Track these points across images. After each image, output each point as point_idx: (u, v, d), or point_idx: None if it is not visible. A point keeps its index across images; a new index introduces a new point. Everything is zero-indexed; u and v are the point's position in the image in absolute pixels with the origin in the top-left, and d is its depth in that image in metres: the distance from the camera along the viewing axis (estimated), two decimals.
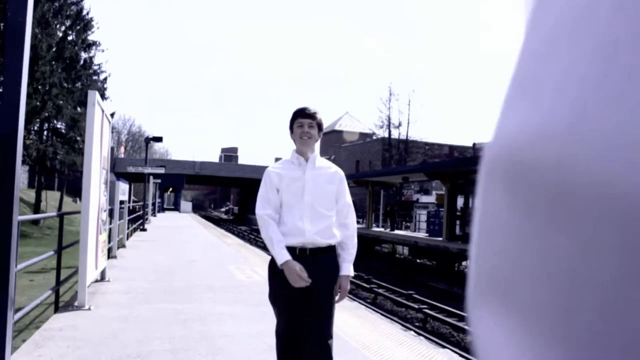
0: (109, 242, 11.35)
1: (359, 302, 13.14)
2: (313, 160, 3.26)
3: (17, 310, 4.75)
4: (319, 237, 3.13)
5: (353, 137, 69.88)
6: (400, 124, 50.82)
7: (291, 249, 3.08)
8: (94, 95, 6.49)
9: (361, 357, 4.99)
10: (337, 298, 3.20)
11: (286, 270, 3.02)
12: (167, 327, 5.74)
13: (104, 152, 7.52)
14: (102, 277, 8.37)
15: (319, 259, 3.15)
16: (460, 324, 11.35)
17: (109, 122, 8.27)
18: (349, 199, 3.33)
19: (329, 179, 3.26)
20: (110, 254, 11.42)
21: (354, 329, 6.01)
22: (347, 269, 3.21)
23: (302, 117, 3.24)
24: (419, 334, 9.90)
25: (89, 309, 6.30)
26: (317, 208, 3.16)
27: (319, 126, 3.29)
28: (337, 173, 3.32)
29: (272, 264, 3.17)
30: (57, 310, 6.41)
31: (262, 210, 3.17)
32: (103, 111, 7.26)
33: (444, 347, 7.78)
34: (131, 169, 24.07)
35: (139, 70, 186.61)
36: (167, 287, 8.33)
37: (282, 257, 3.04)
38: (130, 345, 4.95)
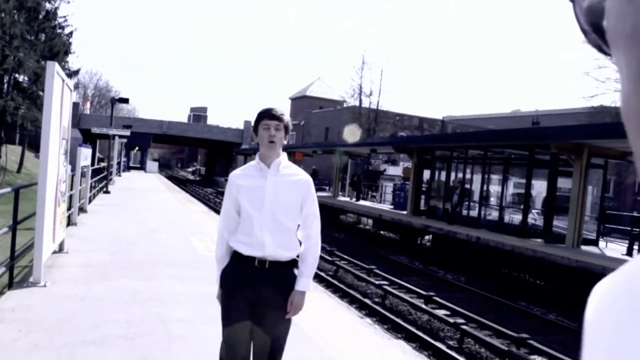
0: (69, 208, 11.19)
1: (318, 284, 13.29)
2: (277, 166, 3.02)
3: None
4: (281, 250, 2.97)
5: (324, 104, 69.56)
6: (371, 93, 50.68)
7: (250, 259, 2.96)
8: (53, 67, 6.28)
9: (315, 347, 5.04)
10: (287, 316, 3.01)
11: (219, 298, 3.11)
12: (125, 308, 5.70)
13: (64, 122, 7.32)
14: (61, 249, 8.24)
15: (278, 273, 2.99)
16: (418, 302, 11.55)
17: (71, 90, 8.04)
18: (315, 208, 3.11)
19: (294, 187, 3.03)
20: (70, 221, 11.25)
21: (311, 314, 6.06)
22: (304, 284, 3.02)
23: (268, 119, 2.98)
24: (376, 321, 10.08)
25: (45, 285, 6.21)
26: (278, 218, 2.97)
27: (286, 129, 3.04)
28: (303, 180, 3.08)
29: (223, 272, 3.09)
30: (10, 286, 6.30)
31: (220, 223, 3.13)
32: (63, 81, 7.05)
33: (398, 337, 7.89)
34: (96, 130, 23.56)
35: (107, 25, 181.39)
36: (126, 260, 8.26)
37: (218, 290, 3.09)
38: (85, 329, 4.91)
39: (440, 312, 10.91)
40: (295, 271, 3.06)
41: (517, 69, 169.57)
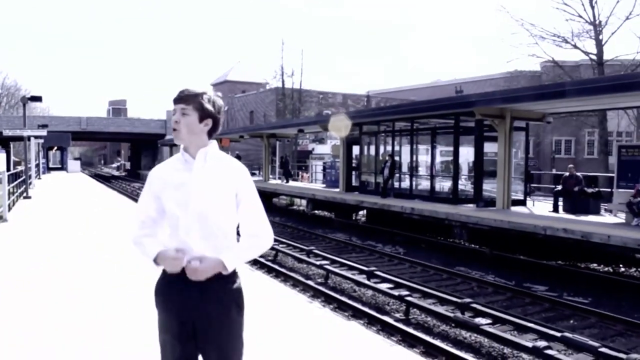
0: None
1: (258, 269, 13.10)
2: (202, 156, 2.52)
3: None
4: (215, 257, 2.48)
5: (246, 87, 68.74)
6: (293, 73, 50.44)
7: (180, 272, 2.46)
8: None
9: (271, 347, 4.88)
10: (191, 272, 2.42)
11: (162, 263, 2.49)
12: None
13: None
14: None
15: (218, 286, 2.49)
16: (361, 279, 11.56)
17: None
18: (254, 199, 2.59)
19: (226, 179, 2.52)
20: None
21: (255, 305, 5.88)
22: (227, 257, 2.45)
23: (174, 103, 2.52)
24: (322, 302, 10.00)
25: None
26: (209, 219, 2.48)
27: (201, 110, 2.50)
28: (236, 169, 2.57)
29: (156, 286, 2.60)
30: None
31: (135, 230, 2.62)
32: None
33: (348, 318, 7.80)
34: (8, 132, 22.23)
35: (7, 20, 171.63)
36: (51, 270, 7.79)
37: (152, 251, 2.50)
38: None
39: (384, 286, 10.97)
40: (239, 282, 2.58)
41: (435, 40, 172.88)
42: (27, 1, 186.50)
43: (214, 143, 2.60)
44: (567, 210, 15.43)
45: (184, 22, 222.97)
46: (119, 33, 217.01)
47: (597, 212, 15.22)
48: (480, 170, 17.25)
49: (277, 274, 12.54)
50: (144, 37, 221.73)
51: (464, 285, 11.94)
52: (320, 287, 11.06)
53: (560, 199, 15.80)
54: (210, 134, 2.58)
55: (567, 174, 15.97)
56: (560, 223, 12.98)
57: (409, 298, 9.66)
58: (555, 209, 15.62)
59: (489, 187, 17.64)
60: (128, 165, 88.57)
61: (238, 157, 37.05)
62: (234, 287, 2.55)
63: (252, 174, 45.91)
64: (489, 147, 17.91)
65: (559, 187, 16.18)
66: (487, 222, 14.20)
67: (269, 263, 13.64)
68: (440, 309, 9.38)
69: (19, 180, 20.21)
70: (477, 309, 9.26)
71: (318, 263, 13.03)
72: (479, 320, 8.84)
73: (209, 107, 2.53)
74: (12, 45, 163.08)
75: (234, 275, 2.56)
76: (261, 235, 2.58)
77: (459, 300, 9.69)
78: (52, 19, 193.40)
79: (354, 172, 24.33)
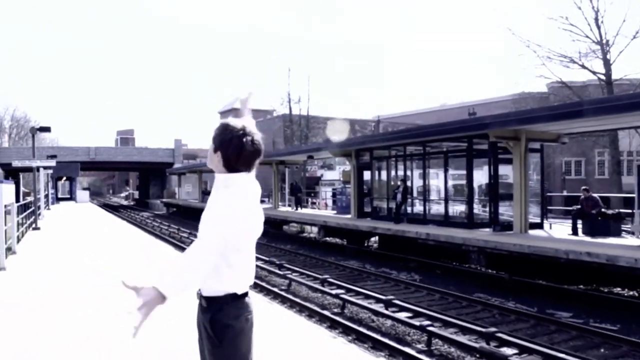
0: None
1: (272, 300, 12.78)
2: (215, 184, 2.61)
3: None
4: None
5: (254, 115, 68.78)
6: (300, 100, 50.56)
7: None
8: None
9: None
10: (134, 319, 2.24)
11: None
12: None
13: None
14: None
15: (199, 316, 2.59)
16: (379, 308, 11.21)
17: None
18: (206, 226, 2.42)
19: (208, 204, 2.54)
20: None
21: (274, 336, 5.58)
22: (159, 279, 2.29)
23: None
24: (340, 333, 9.64)
25: None
26: None
27: (215, 149, 2.54)
28: (214, 194, 2.56)
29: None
30: None
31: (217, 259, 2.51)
32: None
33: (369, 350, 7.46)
34: (17, 163, 22.15)
35: (16, 51, 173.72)
36: (59, 309, 7.51)
37: None
38: None
39: (403, 315, 10.62)
40: (217, 313, 2.49)
41: (441, 63, 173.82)
42: (37, 31, 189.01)
43: (228, 175, 2.53)
44: (586, 232, 15.06)
45: (190, 51, 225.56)
46: (126, 64, 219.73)
47: (618, 234, 14.84)
48: (496, 193, 16.93)
49: (292, 304, 12.20)
50: (151, 67, 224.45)
51: (485, 312, 11.56)
52: (338, 318, 10.72)
53: (579, 221, 15.43)
54: (228, 165, 2.51)
55: (582, 195, 15.62)
56: (582, 246, 12.61)
57: (430, 328, 9.29)
58: (575, 232, 15.25)
59: (502, 210, 17.30)
60: (136, 194, 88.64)
61: None
62: (210, 317, 2.49)
63: (262, 202, 45.73)
64: (502, 170, 17.62)
65: (576, 209, 15.81)
66: (506, 246, 13.84)
67: (282, 293, 13.32)
68: (463, 339, 9.02)
69: (28, 212, 20.02)
70: (502, 338, 8.88)
71: (334, 292, 12.67)
72: (505, 350, 8.47)
73: (217, 139, 2.52)
74: (22, 77, 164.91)
75: (210, 303, 2.49)
76: (188, 249, 2.41)
77: (483, 330, 9.31)
78: (59, 50, 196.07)
79: (365, 198, 24.03)
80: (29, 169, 27.18)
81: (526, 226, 15.93)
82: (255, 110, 71.85)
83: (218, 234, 2.36)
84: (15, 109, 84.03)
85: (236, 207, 2.43)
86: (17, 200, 20.24)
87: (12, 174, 48.20)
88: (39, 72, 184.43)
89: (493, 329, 9.27)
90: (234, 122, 2.54)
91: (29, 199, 24.82)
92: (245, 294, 2.54)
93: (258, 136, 2.54)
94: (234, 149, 2.47)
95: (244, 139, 2.48)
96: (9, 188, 12.19)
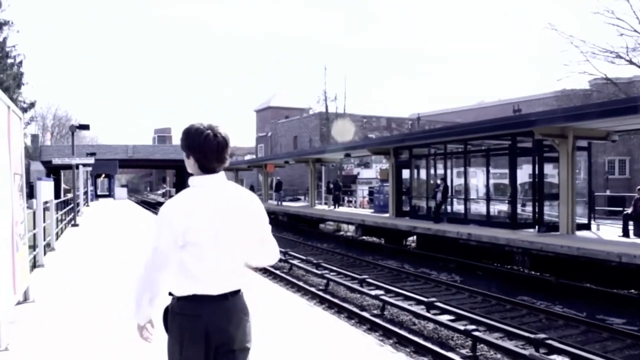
0: (34, 248, 10.22)
1: (310, 300, 12.50)
2: None
3: None
4: None
5: (289, 113, 68.81)
6: (336, 98, 50.25)
7: None
8: None
9: None
10: None
11: None
12: None
13: (14, 155, 6.42)
14: (25, 298, 7.28)
15: None
16: (420, 310, 10.84)
17: (20, 118, 7.13)
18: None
19: None
20: (35, 263, 10.28)
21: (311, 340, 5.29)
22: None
23: None
24: (380, 336, 9.31)
25: (6, 349, 5.25)
26: None
27: (183, 151, 2.67)
28: None
29: None
30: None
31: None
32: (9, 107, 6.16)
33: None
34: (58, 161, 22.40)
35: (59, 52, 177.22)
36: (102, 306, 7.36)
37: None
38: None
39: (445, 318, 10.23)
40: (169, 314, 2.61)
41: (478, 61, 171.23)
42: (78, 32, 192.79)
43: (193, 177, 2.60)
44: (638, 234, 14.37)
45: (227, 49, 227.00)
46: (164, 64, 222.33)
47: None
48: (541, 193, 16.33)
49: (330, 305, 11.91)
50: (189, 66, 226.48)
51: (531, 317, 11.09)
52: (378, 320, 10.38)
53: (631, 222, 14.72)
54: (202, 167, 2.57)
55: (637, 195, 14.89)
56: (636, 249, 11.99)
57: (476, 333, 8.89)
58: (626, 234, 14.57)
59: (547, 209, 16.67)
60: (173, 191, 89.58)
61: (279, 183, 36.70)
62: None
63: (297, 199, 45.55)
64: (547, 169, 17.00)
65: (629, 210, 15.09)
66: (552, 248, 13.27)
67: (320, 293, 13.06)
68: (509, 345, 8.60)
69: (67, 208, 20.19)
70: (552, 345, 8.43)
71: (373, 293, 12.34)
72: (556, 358, 8.03)
73: (183, 145, 2.59)
74: (62, 78, 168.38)
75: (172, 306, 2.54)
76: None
77: (531, 336, 8.86)
78: (101, 51, 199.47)
79: (404, 197, 23.58)
80: (68, 167, 27.55)
81: (573, 227, 15.31)
82: (291, 108, 71.95)
83: (150, 244, 2.47)
84: (57, 107, 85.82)
85: (168, 213, 2.46)
86: (57, 197, 20.47)
87: (54, 171, 49.11)
88: (81, 71, 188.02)
89: (542, 335, 8.82)
90: (195, 124, 2.56)
91: (69, 195, 25.14)
92: (203, 297, 2.47)
93: (220, 129, 2.54)
94: (199, 149, 2.50)
95: (206, 137, 2.49)
96: (47, 185, 12.18)
